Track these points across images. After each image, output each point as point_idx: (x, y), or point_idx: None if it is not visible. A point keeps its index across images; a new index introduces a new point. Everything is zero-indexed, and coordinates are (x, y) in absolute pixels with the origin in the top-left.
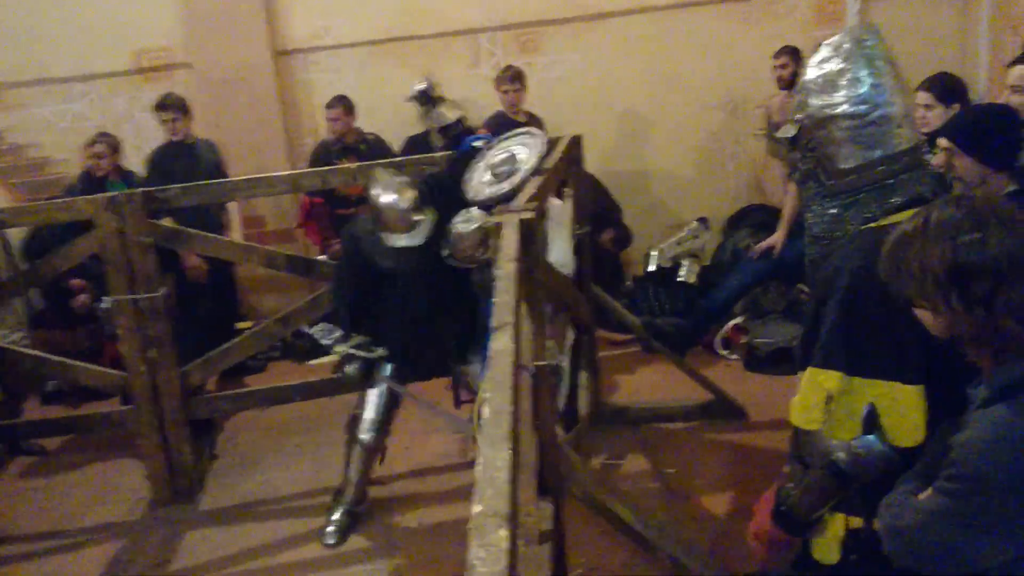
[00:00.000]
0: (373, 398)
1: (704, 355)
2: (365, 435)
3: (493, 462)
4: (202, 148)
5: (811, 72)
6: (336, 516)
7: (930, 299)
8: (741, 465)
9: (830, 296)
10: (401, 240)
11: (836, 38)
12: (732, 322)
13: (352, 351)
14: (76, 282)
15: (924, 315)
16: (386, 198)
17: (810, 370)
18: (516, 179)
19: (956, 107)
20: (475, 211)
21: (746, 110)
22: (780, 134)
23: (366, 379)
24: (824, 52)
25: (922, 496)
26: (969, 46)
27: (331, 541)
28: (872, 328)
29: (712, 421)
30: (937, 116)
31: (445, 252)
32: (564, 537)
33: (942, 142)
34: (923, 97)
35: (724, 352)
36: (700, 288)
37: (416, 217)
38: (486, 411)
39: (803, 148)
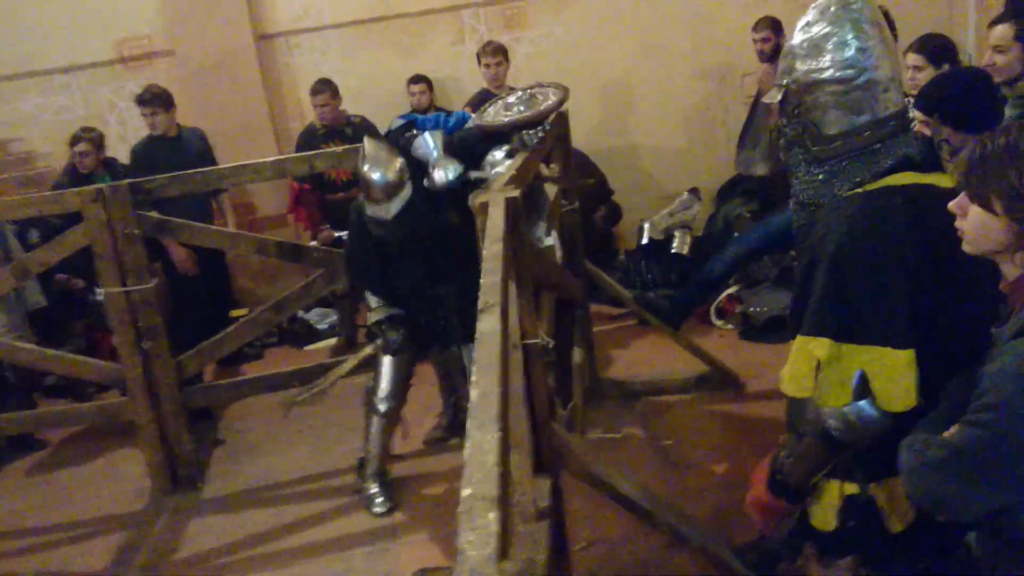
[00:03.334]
0: (386, 368)
1: (699, 325)
2: (382, 405)
3: (481, 445)
4: (187, 138)
5: (797, 36)
6: (374, 489)
7: (1015, 208)
8: (738, 435)
9: (818, 262)
10: (379, 211)
11: (822, 1)
12: (726, 292)
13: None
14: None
15: (984, 219)
16: (368, 169)
17: (799, 338)
18: (541, 107)
19: (946, 68)
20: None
21: (733, 78)
22: (765, 99)
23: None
24: (810, 15)
25: (947, 433)
26: (957, 5)
27: (382, 509)
28: (861, 294)
29: (708, 392)
30: (927, 78)
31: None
32: (563, 513)
33: (917, 115)
34: (914, 59)
35: (719, 322)
36: (693, 259)
37: (393, 185)
38: (474, 393)
39: (789, 114)
